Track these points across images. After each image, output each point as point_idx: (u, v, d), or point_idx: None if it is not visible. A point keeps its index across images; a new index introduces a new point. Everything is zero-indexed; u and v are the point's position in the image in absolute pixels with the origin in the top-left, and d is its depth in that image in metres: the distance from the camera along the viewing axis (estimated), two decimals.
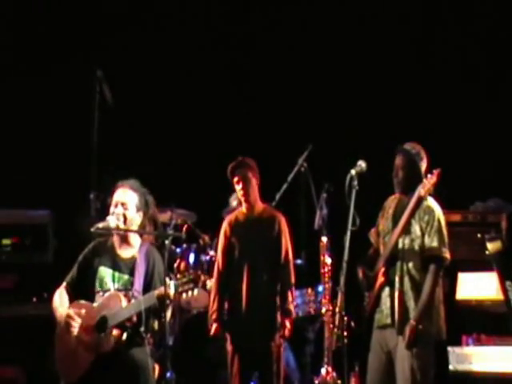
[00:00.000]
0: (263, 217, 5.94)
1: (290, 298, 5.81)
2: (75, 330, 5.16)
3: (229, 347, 5.80)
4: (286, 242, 5.89)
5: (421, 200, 5.29)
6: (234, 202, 7.61)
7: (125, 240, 5.38)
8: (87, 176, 6.89)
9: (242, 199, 5.92)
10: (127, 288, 5.26)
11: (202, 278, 5.15)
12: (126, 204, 5.34)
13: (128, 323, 5.11)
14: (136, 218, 5.36)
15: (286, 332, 5.75)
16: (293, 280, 5.88)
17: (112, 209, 5.37)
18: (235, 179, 5.92)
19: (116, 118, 7.46)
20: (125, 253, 5.38)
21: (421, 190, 5.27)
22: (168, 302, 5.08)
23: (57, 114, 8.21)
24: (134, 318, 5.09)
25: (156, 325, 5.18)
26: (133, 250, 5.38)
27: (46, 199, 7.68)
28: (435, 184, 5.23)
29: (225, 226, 6.00)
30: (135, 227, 5.36)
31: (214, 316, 5.84)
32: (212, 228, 7.32)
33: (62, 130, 8.14)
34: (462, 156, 7.48)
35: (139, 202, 5.38)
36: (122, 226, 5.31)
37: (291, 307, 5.81)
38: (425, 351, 5.22)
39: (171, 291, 5.04)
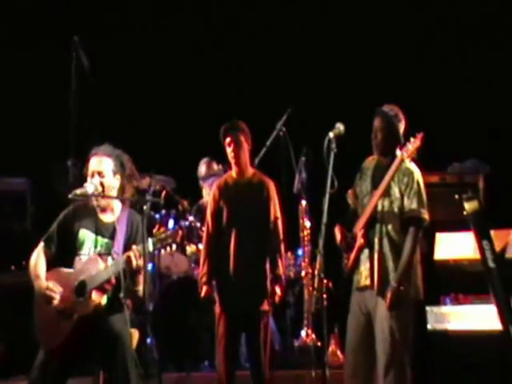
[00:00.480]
0: (253, 181, 5.88)
1: (280, 264, 5.79)
2: (56, 301, 5.13)
3: (217, 310, 5.77)
4: (275, 208, 5.84)
5: (402, 163, 5.28)
6: (202, 169, 7.56)
7: (105, 208, 5.36)
8: (65, 143, 6.85)
9: (232, 161, 5.84)
10: (109, 252, 5.23)
11: (180, 232, 5.15)
12: (102, 172, 5.30)
13: (107, 286, 5.09)
14: (114, 183, 5.33)
15: (277, 298, 5.72)
16: (282, 246, 5.84)
17: (89, 180, 5.32)
18: (227, 140, 5.82)
19: (94, 84, 7.42)
20: (106, 217, 5.34)
21: (404, 154, 5.24)
22: (137, 267, 5.07)
23: (34, 81, 8.16)
24: (113, 281, 5.07)
25: (131, 287, 5.17)
26: (114, 214, 5.35)
27: (23, 167, 7.65)
28: (418, 148, 5.22)
29: (214, 190, 5.94)
30: (115, 192, 5.34)
31: (203, 279, 5.78)
32: (191, 194, 7.33)
33: (40, 98, 8.10)
34: (441, 117, 7.49)
35: (114, 166, 5.34)
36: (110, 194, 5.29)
37: (281, 273, 5.79)
38: (404, 312, 5.22)
39: (150, 248, 5.05)
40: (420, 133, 5.21)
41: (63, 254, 5.29)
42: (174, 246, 5.10)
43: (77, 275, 5.16)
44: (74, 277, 5.16)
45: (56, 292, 5.14)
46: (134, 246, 5.08)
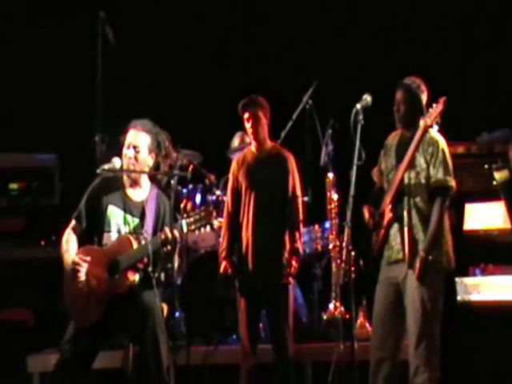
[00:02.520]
0: (272, 155, 5.88)
1: (297, 237, 5.79)
2: (82, 275, 5.16)
3: (237, 284, 5.80)
4: (294, 181, 5.84)
5: (427, 130, 5.22)
6: (235, 142, 7.60)
7: (134, 182, 5.37)
8: (92, 119, 6.87)
9: (251, 137, 5.87)
10: (137, 232, 5.26)
11: (214, 213, 5.15)
12: (138, 147, 5.32)
13: (140, 265, 5.12)
14: (148, 160, 5.35)
15: (292, 270, 5.72)
16: (301, 219, 5.84)
17: (124, 150, 5.35)
18: (245, 116, 5.84)
19: (120, 60, 7.43)
20: (134, 195, 5.37)
21: (427, 120, 5.20)
22: (173, 245, 5.10)
23: (61, 57, 8.16)
24: (145, 260, 5.09)
25: (165, 265, 5.21)
26: (142, 192, 5.38)
27: (51, 143, 7.68)
28: (442, 112, 5.17)
29: (233, 165, 5.96)
30: (147, 169, 5.35)
31: (223, 254, 5.82)
32: (218, 168, 7.32)
33: (67, 74, 8.10)
34: (469, 88, 7.42)
35: (151, 143, 5.36)
36: (131, 167, 5.29)
37: (299, 246, 5.78)
38: (434, 281, 5.19)
39: (184, 229, 5.06)
40: (442, 97, 5.16)
41: (92, 229, 5.32)
42: (208, 228, 5.09)
43: (109, 253, 5.19)
44: (107, 255, 5.19)
45: (82, 266, 5.16)
46: (166, 228, 5.08)
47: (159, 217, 5.29)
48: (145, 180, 5.40)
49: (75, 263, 5.16)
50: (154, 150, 5.35)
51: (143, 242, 5.15)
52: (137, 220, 5.29)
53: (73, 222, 5.33)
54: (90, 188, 5.32)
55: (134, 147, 5.31)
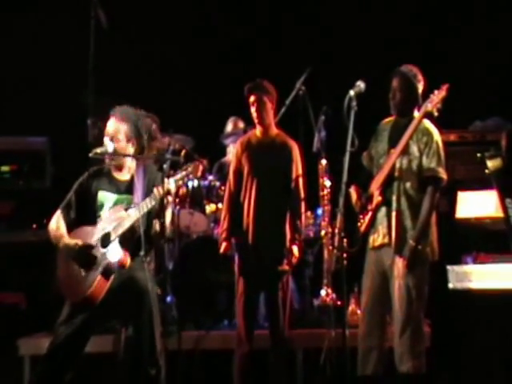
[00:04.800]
0: (276, 142, 5.87)
1: (299, 226, 5.77)
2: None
3: (236, 268, 5.80)
4: (298, 170, 5.83)
5: (426, 115, 5.23)
6: (229, 127, 7.60)
7: (119, 167, 5.39)
8: (84, 102, 6.83)
9: (256, 121, 5.85)
10: (130, 206, 5.26)
11: (201, 167, 5.17)
12: (115, 136, 5.33)
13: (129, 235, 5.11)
14: (128, 149, 5.34)
15: (294, 259, 5.74)
16: (303, 209, 5.83)
17: (104, 139, 5.37)
18: (251, 99, 5.82)
19: (112, 43, 7.39)
20: (122, 175, 5.40)
21: (427, 105, 5.20)
22: (168, 200, 5.12)
23: (53, 39, 8.12)
24: (136, 228, 5.10)
25: (158, 227, 5.18)
26: (128, 172, 5.40)
27: (43, 126, 7.65)
28: (444, 99, 5.17)
29: (237, 147, 5.95)
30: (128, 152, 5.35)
31: (223, 235, 5.82)
32: (210, 153, 7.31)
33: (59, 56, 8.06)
34: (462, 76, 7.41)
35: (130, 131, 5.35)
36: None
37: (300, 233, 5.78)
38: (421, 270, 5.25)
39: (172, 188, 5.09)
40: (445, 84, 5.16)
41: (84, 218, 5.31)
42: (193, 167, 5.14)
43: (101, 229, 5.20)
44: (98, 231, 5.21)
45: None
46: (155, 189, 5.10)
47: (149, 183, 5.30)
48: (131, 163, 5.41)
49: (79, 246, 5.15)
50: (132, 137, 5.35)
51: (132, 208, 5.17)
52: (127, 195, 5.31)
53: (59, 212, 5.33)
54: (78, 182, 5.37)
55: (112, 138, 5.32)
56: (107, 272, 5.12)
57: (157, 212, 5.15)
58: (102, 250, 5.15)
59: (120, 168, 5.39)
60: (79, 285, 5.15)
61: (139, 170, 5.35)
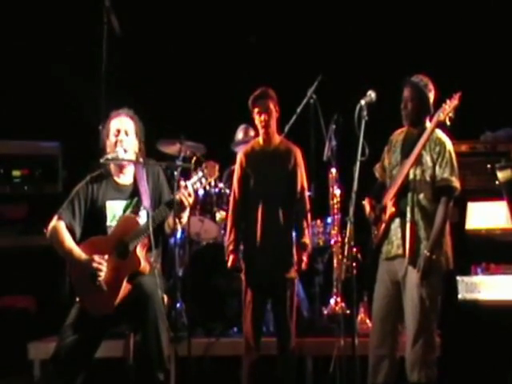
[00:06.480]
0: (280, 149, 5.86)
1: (306, 232, 5.78)
2: (103, 273, 5.13)
3: (243, 277, 5.80)
4: (302, 176, 5.83)
5: (439, 125, 5.22)
6: (239, 135, 7.62)
7: (121, 169, 5.39)
8: (97, 107, 6.86)
9: (262, 130, 5.82)
10: (139, 209, 5.27)
11: (216, 166, 5.22)
12: (128, 131, 5.35)
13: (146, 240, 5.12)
14: (135, 145, 5.39)
15: (303, 266, 5.73)
16: (309, 214, 5.84)
17: (113, 137, 5.35)
18: (256, 109, 5.81)
19: (125, 49, 7.42)
20: (123, 180, 5.39)
21: (440, 114, 5.19)
22: (189, 202, 5.14)
23: (66, 45, 8.15)
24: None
25: (171, 222, 5.22)
26: (128, 175, 5.40)
27: (55, 131, 7.69)
28: (456, 107, 5.16)
29: (240, 157, 5.94)
30: (133, 153, 5.37)
31: (230, 247, 5.79)
32: (221, 161, 7.33)
33: (72, 62, 8.09)
34: (473, 85, 7.41)
35: (137, 128, 5.40)
36: (122, 152, 5.31)
37: (307, 241, 5.78)
38: (435, 280, 5.23)
39: (190, 191, 5.13)
40: (457, 92, 5.16)
41: (91, 229, 5.27)
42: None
43: (114, 237, 5.19)
44: (112, 240, 5.19)
45: (103, 265, 5.14)
46: (177, 196, 5.11)
47: (154, 185, 5.32)
48: (130, 166, 5.42)
49: (95, 262, 5.12)
50: (138, 134, 5.40)
51: (144, 216, 5.17)
52: (134, 200, 5.30)
53: (62, 222, 5.29)
54: (82, 192, 5.32)
55: (125, 132, 5.34)
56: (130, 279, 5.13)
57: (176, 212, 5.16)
58: (122, 261, 5.13)
59: (121, 170, 5.40)
60: (100, 301, 5.12)
61: (139, 172, 5.36)
